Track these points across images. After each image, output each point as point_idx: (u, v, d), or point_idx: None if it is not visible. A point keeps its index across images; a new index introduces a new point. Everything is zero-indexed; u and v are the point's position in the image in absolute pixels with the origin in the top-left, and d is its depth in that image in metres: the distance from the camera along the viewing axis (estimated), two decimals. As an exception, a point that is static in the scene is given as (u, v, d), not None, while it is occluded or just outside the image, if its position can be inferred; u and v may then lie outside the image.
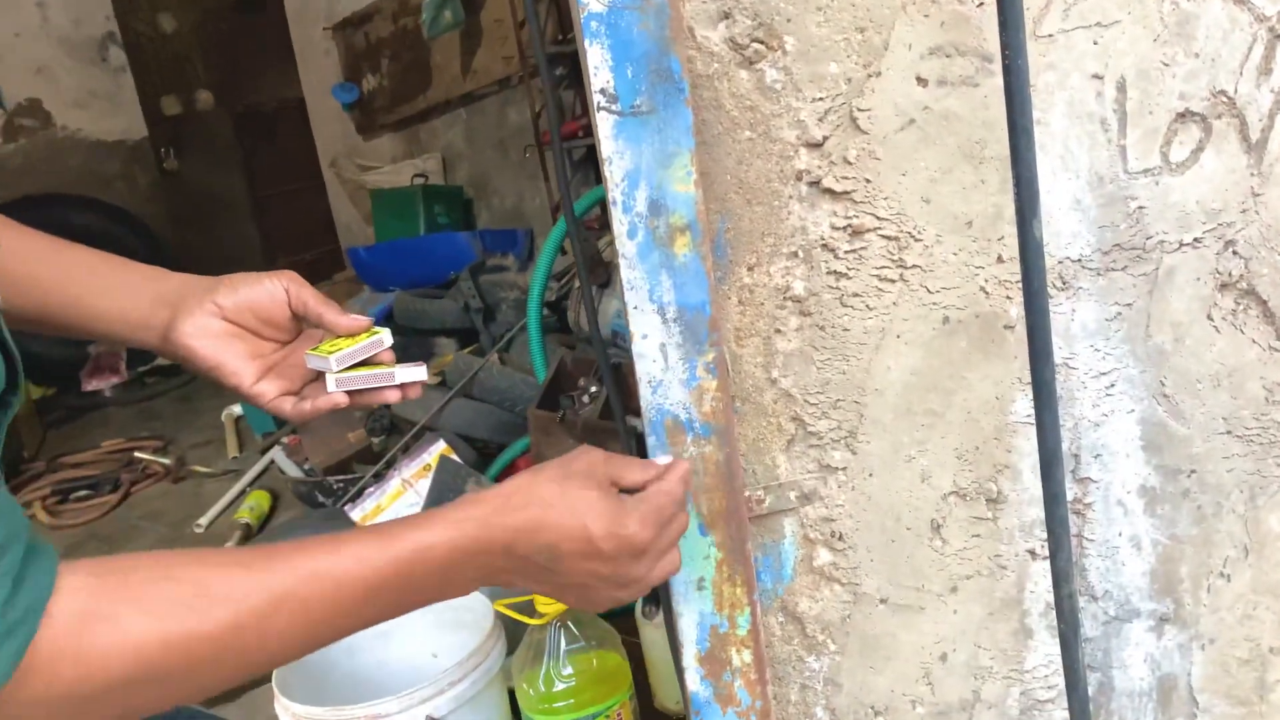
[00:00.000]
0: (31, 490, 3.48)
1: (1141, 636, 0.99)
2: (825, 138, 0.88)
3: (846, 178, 0.89)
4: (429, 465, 2.54)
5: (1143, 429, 0.95)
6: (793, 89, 0.87)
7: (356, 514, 2.52)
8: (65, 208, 4.93)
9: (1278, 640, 1.00)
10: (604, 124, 0.81)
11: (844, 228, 0.90)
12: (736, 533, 0.89)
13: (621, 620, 1.74)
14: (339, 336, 0.88)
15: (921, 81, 0.87)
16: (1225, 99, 0.89)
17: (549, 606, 1.46)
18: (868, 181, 0.89)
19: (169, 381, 4.65)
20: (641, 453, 0.98)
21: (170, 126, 5.89)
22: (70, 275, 0.87)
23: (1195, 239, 0.91)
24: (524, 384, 2.82)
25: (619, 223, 0.83)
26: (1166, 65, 0.88)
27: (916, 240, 0.90)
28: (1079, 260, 0.91)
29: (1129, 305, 0.92)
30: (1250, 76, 0.88)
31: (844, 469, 0.94)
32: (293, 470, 2.95)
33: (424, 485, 2.45)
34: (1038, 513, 0.95)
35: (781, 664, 0.97)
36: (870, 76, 0.87)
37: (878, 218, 0.89)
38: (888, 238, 0.90)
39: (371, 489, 2.60)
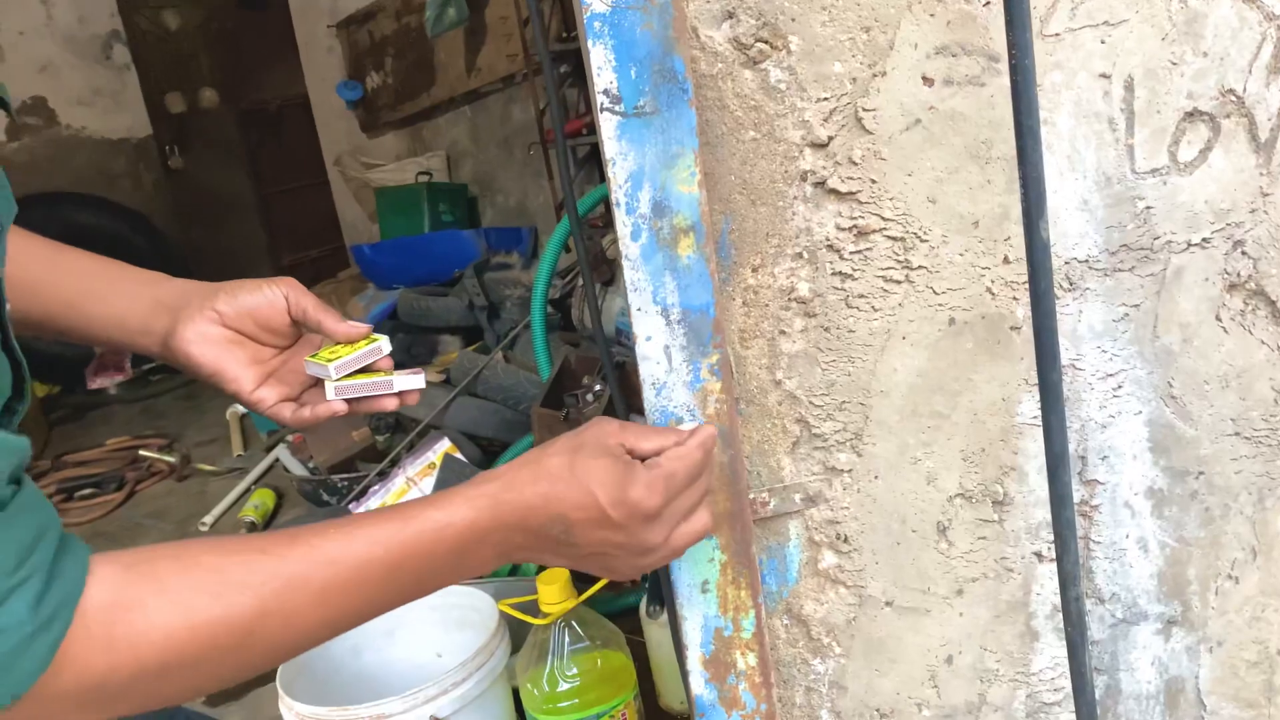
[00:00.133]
0: (37, 488, 3.49)
1: (1149, 639, 0.99)
2: (830, 138, 0.87)
3: (852, 178, 0.88)
4: (433, 463, 2.54)
5: (1150, 430, 0.94)
6: (797, 89, 0.86)
7: (361, 512, 2.52)
8: (70, 206, 4.94)
9: (1286, 643, 0.99)
10: (607, 125, 0.80)
11: (849, 228, 0.89)
12: (741, 535, 0.89)
13: (626, 619, 1.74)
14: (338, 343, 0.89)
15: (927, 81, 0.87)
16: (1234, 98, 0.88)
17: (553, 607, 1.45)
18: (873, 182, 0.88)
19: (173, 379, 4.67)
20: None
21: (175, 124, 5.90)
22: (70, 281, 0.88)
23: (1203, 239, 0.91)
24: (528, 382, 2.81)
25: (622, 224, 0.82)
26: (1174, 64, 0.87)
27: (922, 241, 0.89)
28: (1086, 261, 0.91)
29: (1136, 306, 0.92)
30: (1259, 75, 0.88)
31: (849, 471, 0.93)
32: (297, 468, 2.96)
33: (429, 483, 2.46)
34: (1044, 515, 0.94)
35: (786, 667, 0.97)
36: (875, 76, 0.86)
37: (883, 218, 0.89)
38: (893, 238, 0.89)
39: (376, 487, 2.60)
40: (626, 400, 1.67)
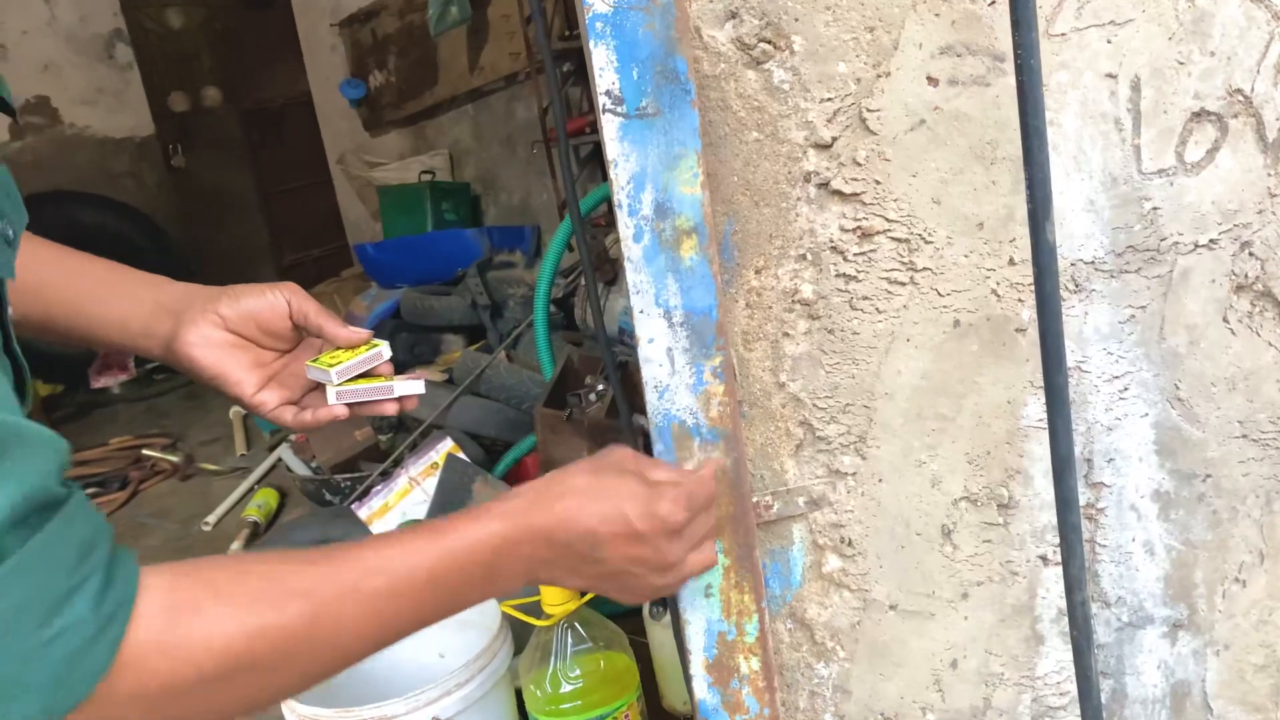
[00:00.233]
0: (40, 488, 3.49)
1: (1155, 643, 0.98)
2: (834, 139, 0.87)
3: (856, 179, 0.87)
4: (436, 463, 2.53)
5: (1157, 433, 0.94)
6: (801, 89, 0.86)
7: (364, 512, 2.52)
8: (73, 205, 4.94)
9: (1294, 646, 0.99)
10: (609, 126, 0.80)
11: (853, 230, 0.88)
12: (744, 539, 0.88)
13: (629, 620, 1.74)
14: (338, 347, 0.90)
15: (932, 81, 0.86)
16: (1241, 98, 0.87)
17: (556, 608, 1.45)
18: (877, 183, 0.87)
19: (177, 378, 4.67)
20: (647, 452, 0.97)
21: (178, 123, 5.91)
22: (73, 283, 0.88)
23: (1211, 240, 0.90)
24: (531, 381, 2.81)
25: (624, 226, 0.82)
26: (1181, 64, 0.86)
27: (927, 242, 0.88)
28: (1092, 262, 0.90)
29: (1143, 308, 0.91)
30: (1267, 75, 0.87)
31: (853, 474, 0.93)
32: (300, 468, 2.95)
33: (431, 483, 2.45)
34: (1050, 518, 0.93)
35: (790, 671, 0.96)
36: (880, 76, 0.86)
37: (887, 220, 0.88)
38: (898, 240, 0.88)
39: (379, 487, 2.59)
40: (630, 400, 1.67)
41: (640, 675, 1.54)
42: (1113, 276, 0.90)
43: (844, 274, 0.89)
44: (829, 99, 0.86)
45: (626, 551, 0.77)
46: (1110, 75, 0.86)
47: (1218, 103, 0.87)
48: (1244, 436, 0.94)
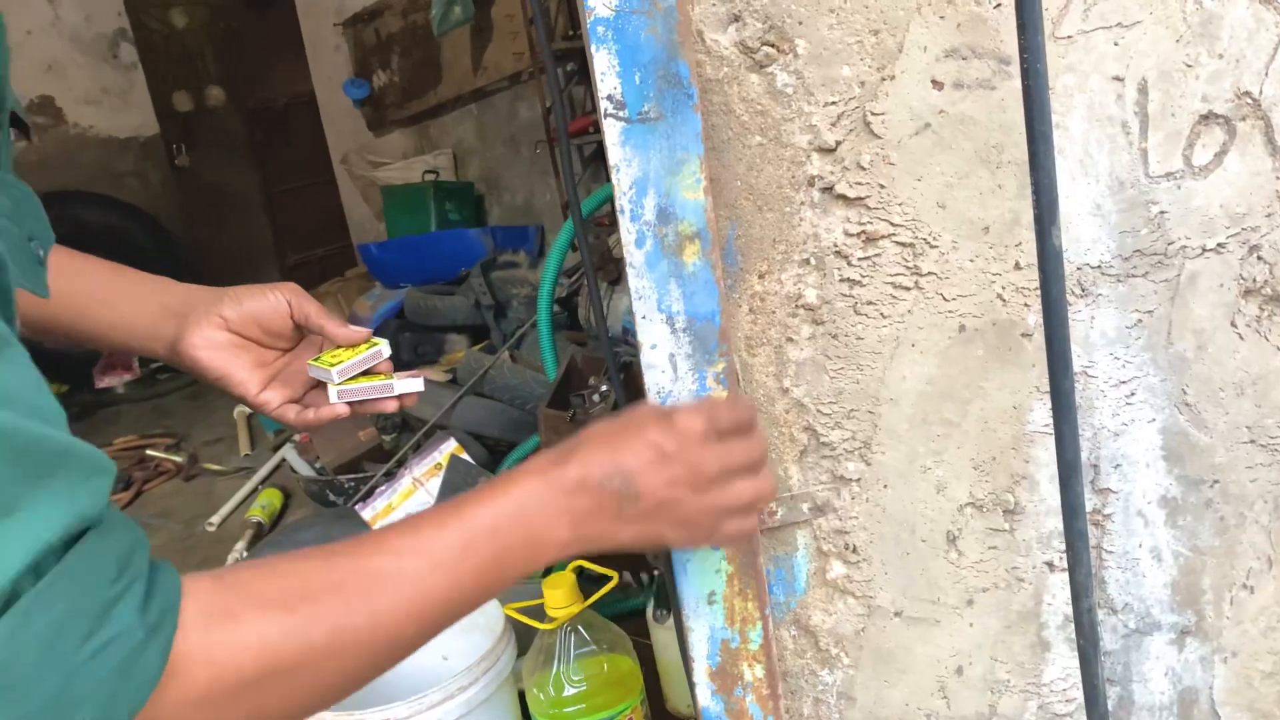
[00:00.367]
0: (44, 488, 3.49)
1: (1162, 650, 0.97)
2: (838, 142, 0.86)
3: (860, 183, 0.87)
4: (440, 464, 2.53)
5: (1164, 438, 0.93)
6: (804, 93, 0.85)
7: (368, 513, 2.52)
8: (77, 205, 4.94)
9: (1302, 653, 0.98)
10: (611, 131, 0.79)
11: (857, 234, 0.88)
12: (748, 546, 0.87)
13: (633, 622, 1.73)
14: (339, 346, 0.91)
15: (937, 85, 0.85)
16: (1250, 100, 0.86)
17: (560, 611, 1.44)
18: (882, 187, 0.87)
19: (181, 378, 4.66)
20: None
21: (182, 123, 5.90)
22: (79, 286, 0.89)
23: (1219, 244, 0.89)
24: (535, 381, 2.80)
25: (627, 231, 0.81)
26: (1189, 66, 0.86)
27: (932, 247, 0.88)
28: (1098, 266, 0.89)
29: (1150, 312, 0.90)
30: (1276, 77, 0.86)
31: (858, 480, 0.92)
32: (304, 469, 2.95)
33: (435, 484, 2.45)
34: (1056, 524, 0.93)
35: (794, 678, 0.96)
36: (884, 80, 0.85)
37: (892, 224, 0.87)
38: (902, 244, 0.88)
39: (382, 488, 2.59)
40: (632, 401, 1.66)
41: (644, 678, 1.54)
42: (1119, 281, 0.89)
43: (848, 279, 0.88)
44: (833, 102, 0.85)
45: (659, 476, 0.73)
46: (1117, 78, 0.85)
47: (1226, 105, 0.86)
48: (1252, 442, 0.93)
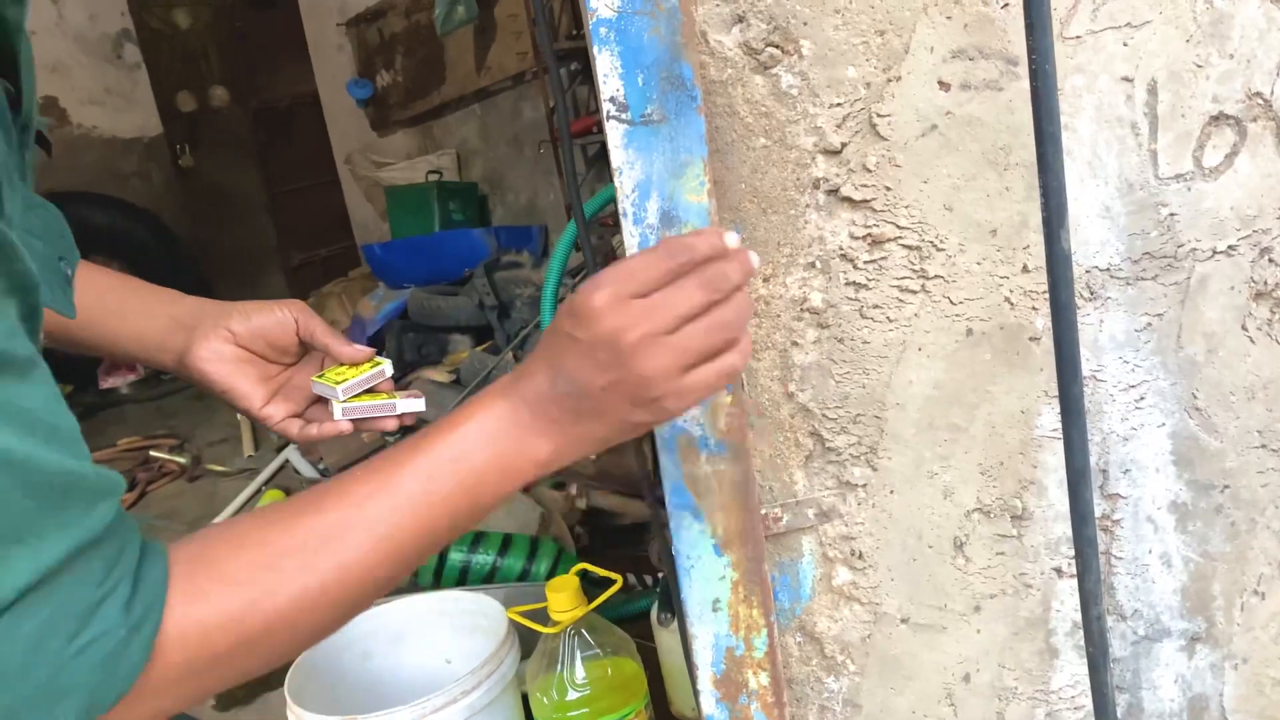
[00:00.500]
0: (48, 489, 3.49)
1: (1172, 656, 0.96)
2: (843, 144, 0.85)
3: (866, 185, 0.86)
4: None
5: (1174, 443, 0.92)
6: (809, 94, 0.84)
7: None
8: (81, 205, 4.92)
9: (1314, 660, 0.97)
10: (614, 133, 0.78)
11: (863, 237, 0.87)
12: (753, 552, 0.86)
13: (637, 625, 1.72)
14: (343, 364, 0.94)
15: (943, 86, 0.84)
16: (1261, 101, 0.85)
17: (563, 615, 1.44)
18: (888, 189, 0.86)
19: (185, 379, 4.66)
20: (654, 463, 0.95)
21: (186, 123, 5.90)
22: (90, 297, 0.91)
23: (1229, 246, 0.88)
24: (538, 383, 2.79)
25: (630, 235, 0.80)
26: (1199, 66, 0.85)
27: (939, 250, 0.87)
28: (1107, 269, 0.88)
29: (1159, 315, 0.89)
30: (1287, 77, 0.85)
31: (864, 485, 0.91)
32: (307, 470, 2.95)
33: (438, 486, 2.44)
34: (1064, 529, 0.92)
35: (800, 685, 0.95)
36: (890, 81, 0.84)
37: (898, 227, 0.86)
38: (909, 247, 0.87)
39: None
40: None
41: (648, 681, 1.53)
42: (1129, 284, 0.88)
43: (854, 282, 0.87)
44: (838, 104, 0.84)
45: (586, 363, 0.67)
46: (1126, 79, 0.84)
47: (1236, 106, 0.85)
48: (1263, 446, 0.92)
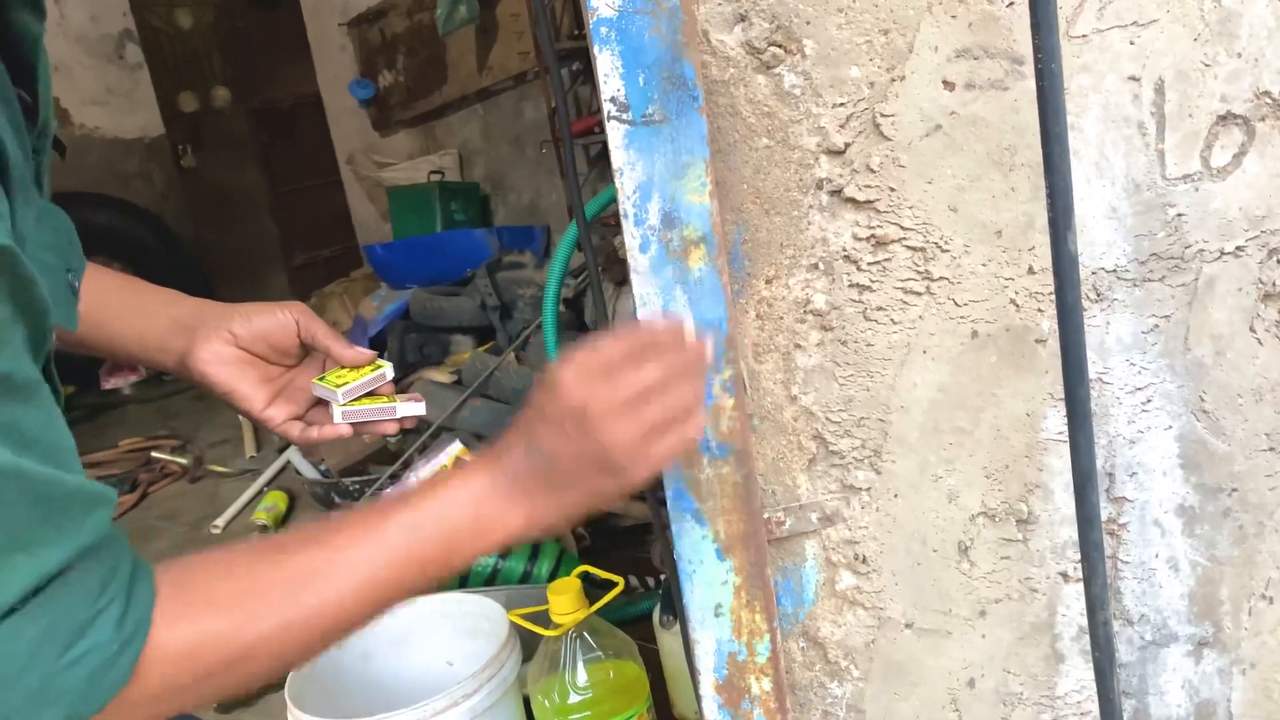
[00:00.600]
0: (50, 490, 3.48)
1: (1179, 661, 0.95)
2: (847, 145, 0.84)
3: (869, 186, 0.85)
4: (445, 467, 2.52)
5: (1181, 446, 0.91)
6: (812, 94, 0.83)
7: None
8: (83, 206, 4.92)
9: (1322, 665, 0.96)
10: (614, 134, 0.78)
11: (867, 238, 0.86)
12: (755, 557, 0.86)
13: (639, 627, 1.72)
14: (343, 367, 0.93)
15: (948, 85, 0.83)
16: (1270, 100, 0.84)
17: (564, 617, 1.43)
18: (892, 190, 0.85)
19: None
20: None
21: (188, 123, 5.90)
22: (92, 297, 0.91)
23: (1237, 247, 0.87)
24: (540, 384, 2.78)
25: (630, 236, 0.79)
26: (1207, 65, 0.84)
27: (943, 251, 0.86)
28: (1114, 271, 0.87)
29: (1167, 317, 0.88)
30: (1296, 76, 0.84)
31: (868, 489, 0.90)
32: (309, 471, 2.94)
33: (440, 487, 2.43)
34: (1070, 533, 0.91)
35: (803, 690, 0.94)
36: (894, 80, 0.83)
37: (902, 228, 0.85)
38: (913, 248, 0.86)
39: (387, 490, 2.58)
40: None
41: (650, 683, 1.52)
42: (1136, 285, 0.87)
43: (857, 284, 0.87)
44: (841, 104, 0.83)
45: (555, 435, 0.73)
46: (1133, 78, 0.83)
47: (1245, 105, 0.84)
48: (1271, 449, 0.91)
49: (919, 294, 0.87)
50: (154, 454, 3.73)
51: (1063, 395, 0.79)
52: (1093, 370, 0.88)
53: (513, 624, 1.50)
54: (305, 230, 5.99)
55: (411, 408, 0.93)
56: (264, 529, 2.88)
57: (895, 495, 0.90)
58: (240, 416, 3.76)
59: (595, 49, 0.76)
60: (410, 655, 1.66)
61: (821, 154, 0.84)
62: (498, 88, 4.46)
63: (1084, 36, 0.82)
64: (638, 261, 0.80)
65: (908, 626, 0.93)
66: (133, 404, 4.71)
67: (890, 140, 0.84)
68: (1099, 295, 0.87)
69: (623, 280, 2.82)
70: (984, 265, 0.86)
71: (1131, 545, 0.93)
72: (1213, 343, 0.89)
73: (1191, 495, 0.92)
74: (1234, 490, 0.92)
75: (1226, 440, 0.91)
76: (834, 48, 0.82)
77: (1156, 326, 0.88)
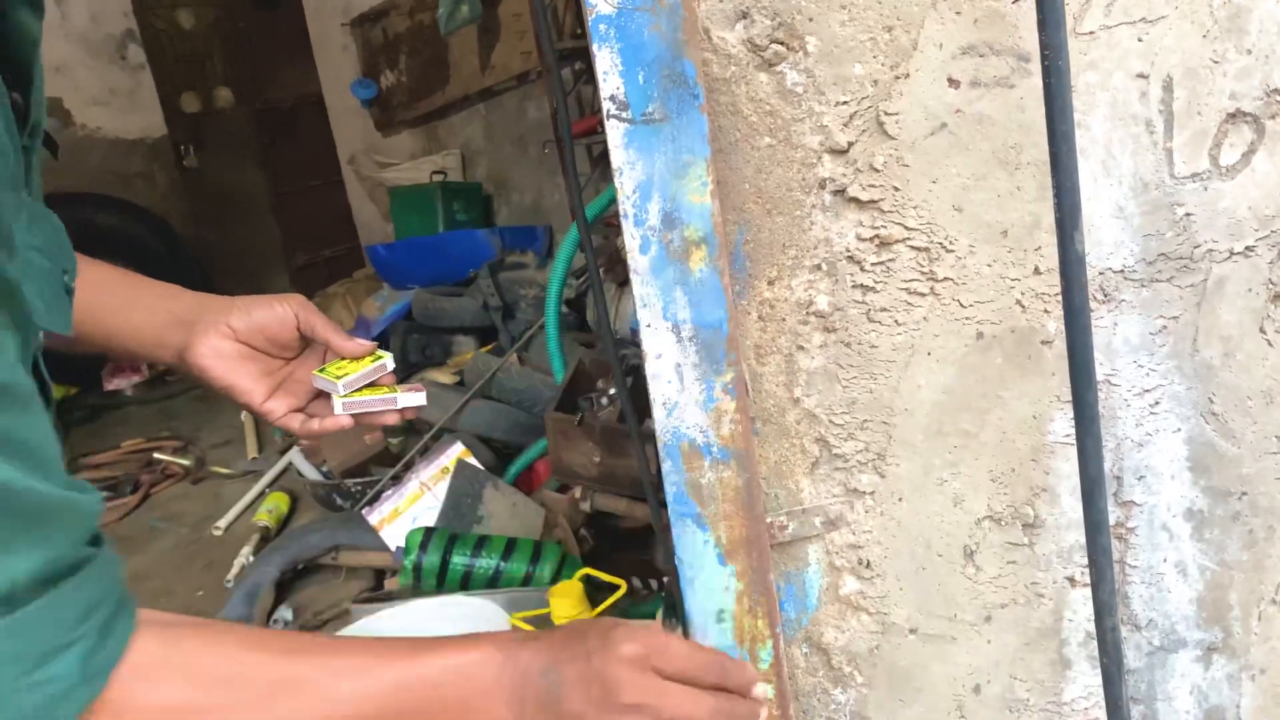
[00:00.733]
0: (52, 491, 3.48)
1: (1188, 667, 0.94)
2: (850, 143, 0.83)
3: (873, 185, 0.83)
4: (447, 468, 2.51)
5: (1190, 449, 0.89)
6: (815, 92, 0.82)
7: (374, 517, 2.50)
8: (86, 207, 4.92)
9: (1333, 670, 0.94)
10: (614, 133, 0.76)
11: (871, 238, 0.84)
12: (758, 562, 0.84)
13: (641, 631, 1.70)
14: (344, 358, 0.92)
15: (953, 83, 0.82)
16: (1280, 98, 0.83)
17: (566, 620, 1.42)
18: (896, 189, 0.84)
19: (189, 381, 4.64)
20: (657, 469, 0.93)
21: (190, 124, 5.89)
22: (90, 293, 0.90)
23: (1247, 247, 0.86)
24: (543, 384, 2.78)
25: (630, 236, 0.78)
26: (1216, 63, 0.82)
27: (948, 251, 0.85)
28: (1122, 271, 0.86)
29: (1175, 318, 0.87)
30: (1307, 73, 0.82)
31: (872, 493, 0.89)
32: (311, 473, 2.93)
33: (442, 488, 2.42)
34: (1077, 537, 0.90)
35: (806, 697, 0.93)
36: (898, 78, 0.82)
37: (907, 228, 0.84)
38: (917, 249, 0.85)
39: (389, 492, 2.57)
40: (638, 407, 1.63)
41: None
42: (1143, 286, 0.86)
43: (861, 285, 0.85)
44: (845, 102, 0.82)
45: (579, 687, 0.72)
46: (1141, 75, 0.82)
47: (1255, 103, 0.83)
48: (1282, 452, 0.90)
49: (923, 295, 0.85)
50: (156, 455, 3.72)
51: (1069, 397, 0.78)
52: (1100, 372, 0.86)
53: (514, 627, 1.49)
54: (307, 230, 5.98)
55: (412, 398, 0.92)
56: (265, 530, 2.87)
57: (899, 499, 0.89)
58: (243, 418, 3.76)
59: (594, 46, 0.75)
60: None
61: (824, 153, 0.83)
62: (500, 87, 4.45)
63: (1091, 33, 0.81)
64: (638, 262, 0.79)
65: (912, 632, 0.92)
66: (135, 405, 4.70)
67: (894, 139, 0.83)
68: (1106, 296, 0.86)
69: (625, 281, 2.81)
70: (989, 266, 0.85)
71: (1139, 549, 0.91)
72: (1222, 344, 0.87)
73: (1200, 499, 0.90)
74: (1243, 494, 0.90)
75: (1236, 443, 0.89)
76: (837, 45, 0.81)
77: (1165, 328, 0.87)
